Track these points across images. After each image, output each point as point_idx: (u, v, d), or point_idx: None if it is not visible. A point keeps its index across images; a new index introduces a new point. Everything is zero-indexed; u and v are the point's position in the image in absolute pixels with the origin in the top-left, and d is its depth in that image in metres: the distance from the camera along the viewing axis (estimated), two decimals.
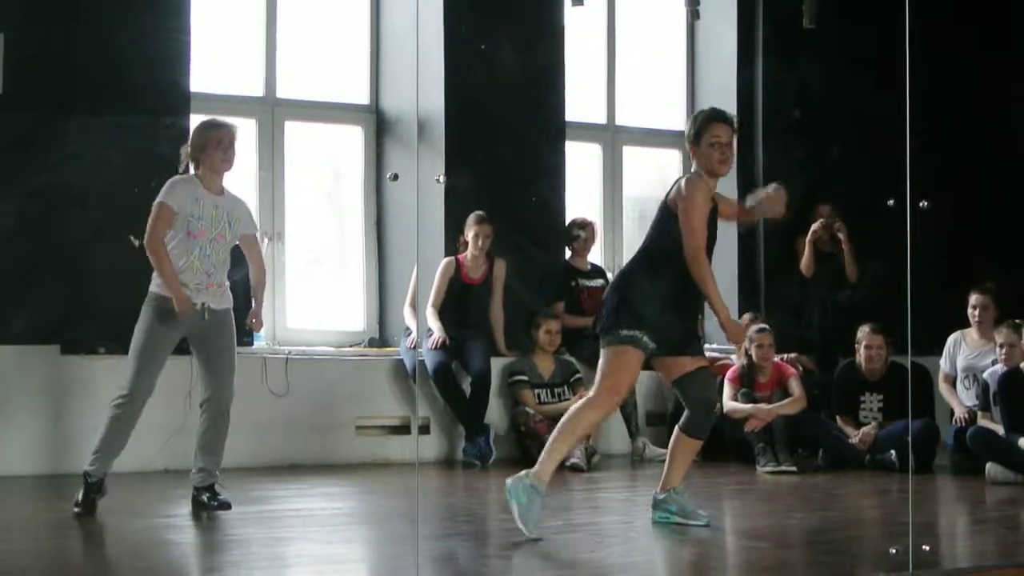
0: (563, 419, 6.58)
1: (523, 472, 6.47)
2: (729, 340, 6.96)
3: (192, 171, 7.24)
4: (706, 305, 6.71)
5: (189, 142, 7.29)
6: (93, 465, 7.10)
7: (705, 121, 6.61)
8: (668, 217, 6.56)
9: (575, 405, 6.70)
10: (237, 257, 7.40)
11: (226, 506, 7.14)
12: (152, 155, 9.03)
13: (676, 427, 6.71)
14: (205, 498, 7.16)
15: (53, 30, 9.04)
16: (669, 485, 6.76)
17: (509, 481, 6.44)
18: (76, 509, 7.02)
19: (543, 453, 6.53)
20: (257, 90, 10.39)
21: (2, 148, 8.91)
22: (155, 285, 7.13)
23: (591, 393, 6.57)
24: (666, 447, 10.09)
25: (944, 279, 10.37)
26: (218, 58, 10.21)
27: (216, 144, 7.18)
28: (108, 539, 6.67)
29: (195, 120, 9.16)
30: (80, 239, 8.92)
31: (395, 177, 9.78)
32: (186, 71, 9.52)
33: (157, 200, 7.13)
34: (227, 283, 7.29)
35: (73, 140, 8.98)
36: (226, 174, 7.34)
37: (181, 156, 7.30)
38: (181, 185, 7.18)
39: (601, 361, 6.59)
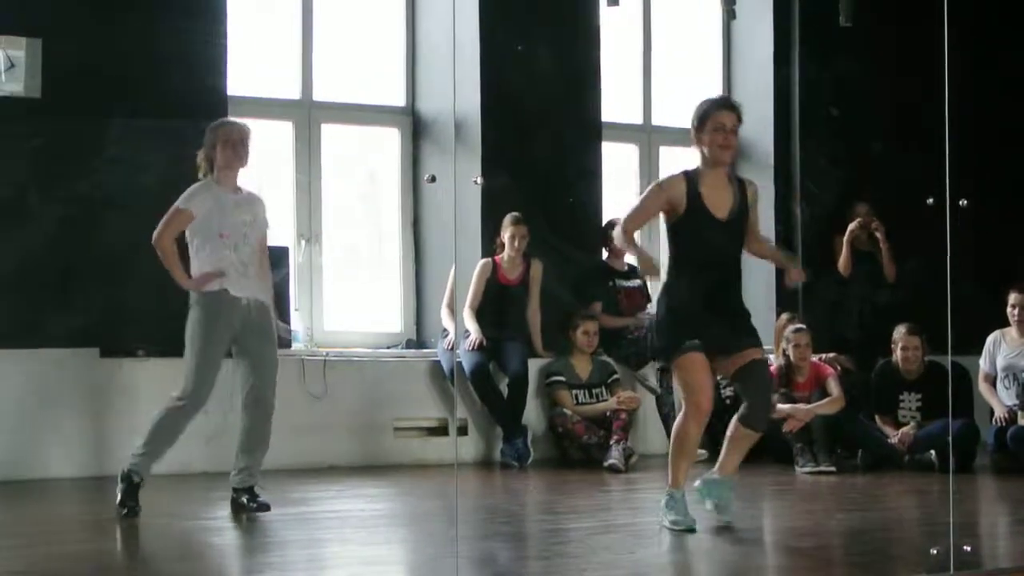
0: (671, 444, 6.73)
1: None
2: (640, 270, 7.07)
3: (209, 174, 7.29)
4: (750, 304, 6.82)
5: (203, 146, 7.34)
6: (136, 464, 7.11)
7: (710, 108, 6.65)
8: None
9: (675, 425, 6.74)
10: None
11: (265, 508, 7.16)
12: (191, 159, 9.06)
13: (735, 417, 6.76)
14: (245, 500, 7.18)
15: (90, 36, 9.08)
16: (724, 472, 6.86)
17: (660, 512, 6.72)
18: (122, 510, 7.02)
19: (668, 470, 6.72)
20: (294, 93, 10.42)
21: (41, 153, 8.96)
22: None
23: (680, 412, 6.69)
24: (703, 448, 10.19)
25: (983, 278, 10.31)
26: (255, 61, 10.24)
27: (225, 142, 7.24)
28: (148, 542, 6.69)
29: None
30: (119, 243, 8.95)
31: (432, 179, 9.79)
32: (223, 75, 9.54)
33: (178, 205, 7.21)
34: (263, 279, 7.34)
35: (111, 145, 9.02)
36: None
37: (199, 161, 7.34)
38: (200, 191, 7.24)
39: (675, 383, 6.80)
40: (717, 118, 6.59)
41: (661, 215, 6.70)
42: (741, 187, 6.72)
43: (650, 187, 6.81)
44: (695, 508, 6.69)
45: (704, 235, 6.58)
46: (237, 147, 7.26)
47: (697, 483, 6.89)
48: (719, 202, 6.62)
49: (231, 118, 7.54)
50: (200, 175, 7.32)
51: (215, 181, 7.24)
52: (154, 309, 8.81)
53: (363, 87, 10.79)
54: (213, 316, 7.11)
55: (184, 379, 7.13)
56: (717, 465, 6.91)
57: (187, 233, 7.23)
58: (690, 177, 6.63)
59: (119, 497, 7.06)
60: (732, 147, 6.64)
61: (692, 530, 6.50)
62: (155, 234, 7.18)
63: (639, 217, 6.76)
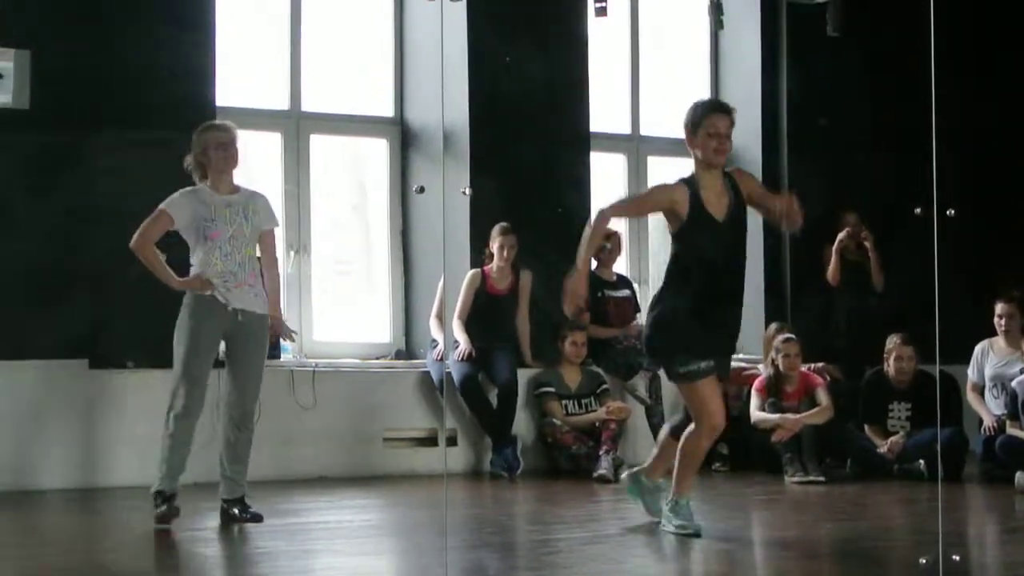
0: (678, 455, 6.80)
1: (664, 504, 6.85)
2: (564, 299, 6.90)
3: (203, 180, 7.29)
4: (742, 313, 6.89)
5: (191, 151, 7.33)
6: (162, 484, 7.12)
7: (704, 111, 6.67)
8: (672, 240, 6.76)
9: (684, 435, 6.78)
10: None
11: (257, 518, 7.16)
12: (179, 169, 9.06)
13: (667, 426, 7.11)
14: (236, 511, 7.18)
15: (79, 46, 9.09)
16: (654, 476, 7.13)
17: (663, 520, 6.85)
18: (160, 525, 7.02)
19: (674, 479, 6.81)
20: (282, 103, 10.42)
21: (29, 164, 8.96)
22: (189, 294, 7.18)
23: (692, 425, 6.73)
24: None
25: (971, 287, 10.34)
26: (243, 72, 10.24)
27: (215, 145, 7.23)
28: (137, 552, 6.68)
29: None
30: (108, 254, 8.92)
31: (421, 190, 9.80)
32: (212, 85, 9.55)
33: (161, 205, 7.20)
34: (259, 285, 7.31)
35: (100, 156, 9.03)
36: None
37: (186, 166, 7.34)
38: (186, 194, 7.24)
39: (682, 396, 6.85)
40: (711, 122, 6.62)
41: (665, 224, 6.69)
42: (732, 183, 6.70)
43: (654, 185, 6.82)
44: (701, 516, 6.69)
45: (707, 240, 6.58)
46: (228, 149, 7.26)
47: (623, 477, 7.33)
48: (718, 205, 6.63)
49: (216, 121, 7.51)
50: (196, 180, 7.31)
51: (209, 185, 7.24)
52: (144, 320, 8.80)
53: (351, 98, 10.80)
54: (198, 322, 7.11)
55: (172, 392, 7.11)
56: (648, 468, 7.17)
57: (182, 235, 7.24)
58: (689, 183, 6.64)
59: (160, 510, 7.05)
60: (727, 151, 6.66)
61: (698, 534, 6.59)
62: (134, 238, 7.17)
63: (631, 208, 6.93)
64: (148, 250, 7.14)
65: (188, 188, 7.28)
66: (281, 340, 8.10)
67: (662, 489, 7.05)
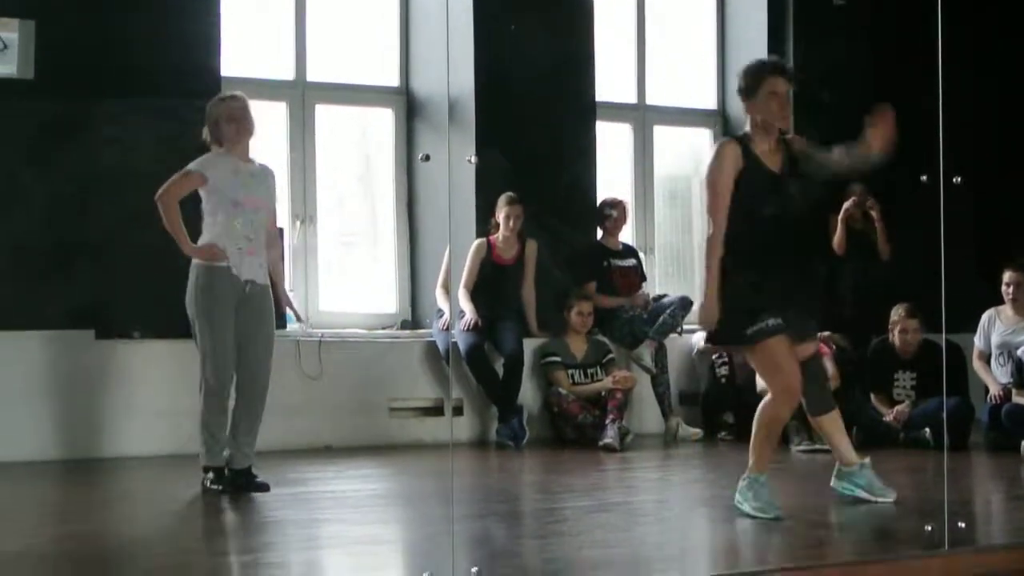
0: (755, 426, 6.39)
1: (741, 479, 6.42)
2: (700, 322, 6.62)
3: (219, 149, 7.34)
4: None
5: (206, 124, 7.37)
6: (207, 459, 7.25)
7: (762, 72, 6.35)
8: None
9: (760, 407, 6.39)
10: None
11: (264, 488, 7.19)
12: (185, 139, 9.05)
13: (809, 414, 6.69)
14: (244, 480, 7.21)
15: (83, 16, 9.07)
16: (847, 462, 6.69)
17: (737, 496, 6.40)
18: (215, 486, 7.19)
19: (751, 452, 6.39)
20: (287, 73, 10.40)
21: (35, 133, 8.96)
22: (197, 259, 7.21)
23: (768, 395, 6.38)
24: (698, 427, 10.22)
25: (978, 255, 10.32)
26: (249, 41, 10.22)
27: (228, 117, 7.29)
28: (142, 522, 6.70)
29: None
30: (114, 224, 8.95)
31: (427, 158, 9.79)
32: (217, 55, 9.54)
33: (190, 168, 7.25)
34: (264, 257, 7.35)
35: (105, 126, 9.03)
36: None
37: (204, 138, 7.38)
38: (215, 158, 7.31)
39: (754, 364, 6.54)
40: (771, 83, 6.31)
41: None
42: (788, 148, 6.44)
43: (715, 151, 6.36)
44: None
45: (764, 191, 6.28)
46: (242, 120, 7.31)
47: (834, 482, 6.75)
48: (773, 160, 6.35)
49: (227, 92, 7.55)
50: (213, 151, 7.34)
51: (229, 152, 7.29)
52: (150, 290, 8.82)
53: (357, 67, 10.77)
54: (212, 297, 7.15)
55: (201, 368, 7.20)
56: (838, 459, 6.73)
57: (203, 201, 7.26)
58: (740, 139, 6.38)
59: (214, 486, 7.20)
60: (789, 113, 6.40)
61: (779, 519, 6.22)
62: (160, 191, 7.19)
63: (724, 187, 6.22)
64: (172, 207, 7.17)
65: (214, 152, 7.33)
66: (286, 311, 8.10)
67: (867, 466, 6.71)
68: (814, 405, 6.57)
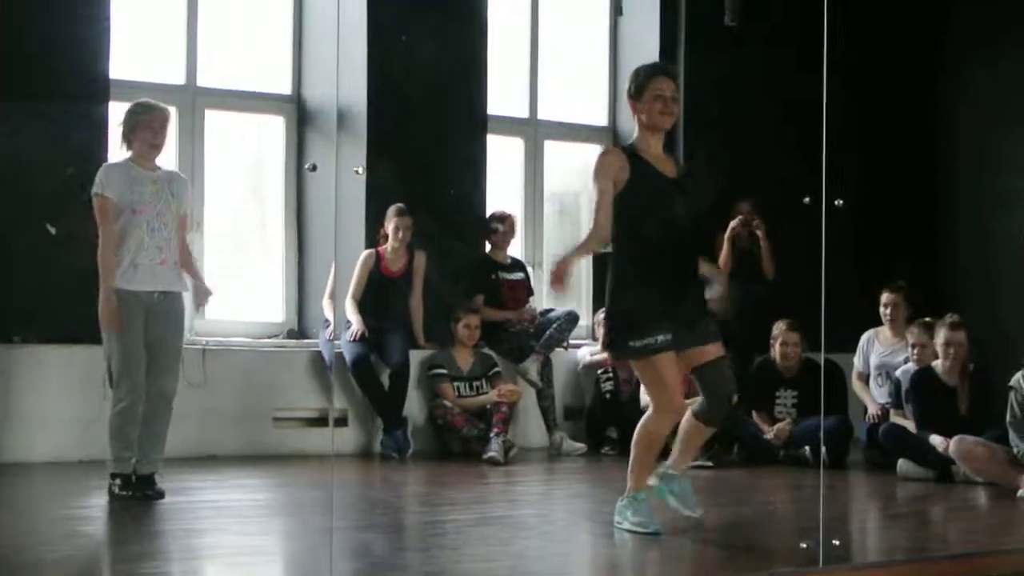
0: (633, 444, 6.40)
1: (620, 499, 6.43)
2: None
3: (125, 153, 7.35)
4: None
5: (121, 125, 7.36)
6: (116, 468, 7.21)
7: (648, 75, 6.43)
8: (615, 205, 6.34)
9: (640, 422, 6.40)
10: None
11: (160, 495, 7.21)
12: (71, 142, 8.97)
13: (690, 412, 6.47)
14: (148, 490, 7.20)
15: None
16: (679, 467, 6.59)
17: (616, 516, 6.41)
18: (124, 492, 7.16)
19: (629, 472, 6.40)
20: (178, 78, 10.29)
21: None
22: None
23: (649, 410, 6.38)
24: (583, 442, 10.27)
25: (858, 277, 10.49)
26: (138, 45, 10.11)
27: (147, 126, 7.31)
28: (19, 530, 6.60)
29: (114, 107, 9.16)
30: None
31: (313, 168, 9.75)
32: (106, 58, 9.42)
33: (95, 191, 7.24)
34: (178, 263, 7.37)
35: None
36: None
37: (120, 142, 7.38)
38: (114, 171, 7.30)
39: (639, 376, 6.52)
40: (656, 85, 6.37)
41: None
42: (683, 166, 6.52)
43: (596, 163, 6.35)
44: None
45: (655, 195, 6.29)
46: (159, 133, 7.36)
47: (652, 480, 6.51)
48: (664, 165, 6.38)
49: (149, 100, 7.53)
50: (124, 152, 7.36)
51: (131, 160, 7.31)
52: (32, 295, 8.70)
53: (248, 74, 10.70)
54: (125, 318, 7.14)
55: (112, 380, 7.20)
56: (671, 460, 6.61)
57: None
58: (625, 148, 6.42)
59: (122, 493, 7.17)
60: (673, 114, 6.41)
61: (658, 533, 6.25)
62: (101, 241, 7.18)
63: (606, 201, 6.23)
64: (111, 257, 7.16)
65: (111, 163, 7.37)
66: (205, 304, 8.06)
67: (688, 480, 6.61)
68: (703, 412, 6.46)
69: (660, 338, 6.19)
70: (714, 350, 6.39)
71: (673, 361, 6.27)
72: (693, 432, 6.51)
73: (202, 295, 7.66)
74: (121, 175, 7.24)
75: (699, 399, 6.47)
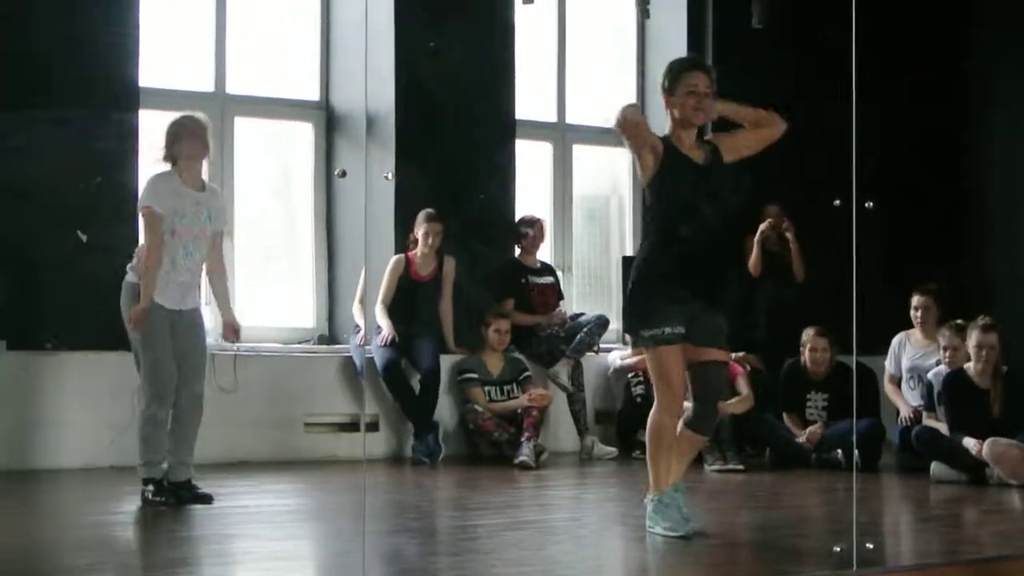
0: (647, 442, 6.36)
1: (643, 499, 6.42)
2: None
3: (164, 166, 7.34)
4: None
5: (164, 138, 7.35)
6: (146, 472, 7.25)
7: (682, 69, 6.39)
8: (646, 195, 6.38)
9: (649, 422, 6.34)
10: None
11: (207, 499, 7.28)
12: (100, 150, 9.00)
13: (681, 420, 6.38)
14: (186, 493, 7.26)
15: (1, 24, 8.97)
16: (673, 479, 6.45)
17: (647, 520, 6.36)
18: (157, 498, 7.21)
19: (649, 471, 6.37)
20: (207, 86, 10.34)
21: None
22: (132, 276, 7.20)
23: (654, 405, 6.34)
24: (614, 446, 10.25)
25: (889, 280, 10.45)
26: (168, 53, 10.15)
27: (191, 135, 7.29)
28: (51, 535, 6.62)
29: (144, 116, 9.21)
30: (26, 235, 8.85)
31: (343, 174, 9.74)
32: (135, 66, 9.46)
33: (141, 203, 7.25)
34: (200, 280, 7.47)
35: (20, 134, 8.91)
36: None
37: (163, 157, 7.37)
38: (161, 183, 7.28)
39: (647, 363, 6.44)
40: (689, 80, 6.33)
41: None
42: (712, 147, 6.43)
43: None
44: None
45: (682, 182, 6.25)
46: (201, 139, 7.33)
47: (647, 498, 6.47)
48: (697, 155, 6.33)
49: (192, 113, 7.52)
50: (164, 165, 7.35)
51: (176, 173, 7.28)
52: (62, 301, 8.74)
53: (276, 81, 10.74)
54: (152, 329, 7.18)
55: (142, 387, 7.23)
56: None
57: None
58: (663, 137, 6.34)
59: (155, 499, 7.21)
60: (706, 110, 6.37)
61: (687, 536, 6.17)
62: (144, 253, 7.18)
63: (644, 139, 6.22)
64: (154, 268, 7.16)
65: (159, 174, 7.33)
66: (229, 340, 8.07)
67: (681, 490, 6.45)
68: (694, 419, 6.38)
69: (669, 330, 6.18)
70: (718, 354, 6.36)
71: (679, 355, 6.24)
72: (684, 443, 6.42)
73: (229, 333, 7.67)
74: (168, 189, 7.24)
75: (691, 407, 6.40)
